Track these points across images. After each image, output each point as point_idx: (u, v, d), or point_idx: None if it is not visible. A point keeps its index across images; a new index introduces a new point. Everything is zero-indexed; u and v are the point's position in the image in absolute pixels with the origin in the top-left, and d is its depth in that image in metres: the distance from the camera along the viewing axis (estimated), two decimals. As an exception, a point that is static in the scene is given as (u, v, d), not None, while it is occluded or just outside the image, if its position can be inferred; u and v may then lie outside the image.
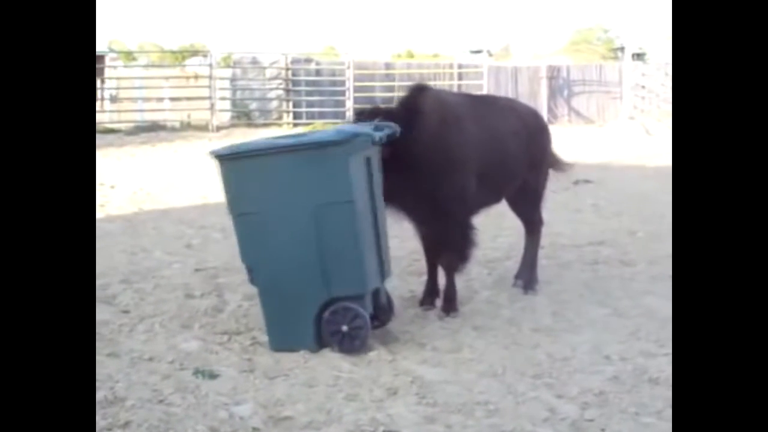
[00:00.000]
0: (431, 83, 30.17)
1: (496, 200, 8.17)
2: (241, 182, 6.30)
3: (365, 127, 6.51)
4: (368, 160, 6.45)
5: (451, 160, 7.02)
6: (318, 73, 32.10)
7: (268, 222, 6.27)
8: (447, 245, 7.36)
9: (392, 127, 6.67)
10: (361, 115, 7.17)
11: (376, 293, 6.67)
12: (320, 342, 6.33)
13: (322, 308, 6.30)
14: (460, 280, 7.67)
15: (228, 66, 31.99)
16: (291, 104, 31.14)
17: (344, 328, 6.26)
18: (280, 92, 31.41)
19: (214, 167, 6.49)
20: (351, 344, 6.25)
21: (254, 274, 6.45)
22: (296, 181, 6.16)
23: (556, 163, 8.82)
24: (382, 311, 6.80)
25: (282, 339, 6.41)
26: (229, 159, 6.38)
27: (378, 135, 6.36)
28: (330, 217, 6.15)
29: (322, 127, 26.34)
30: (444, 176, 7.01)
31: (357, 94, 30.62)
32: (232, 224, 6.52)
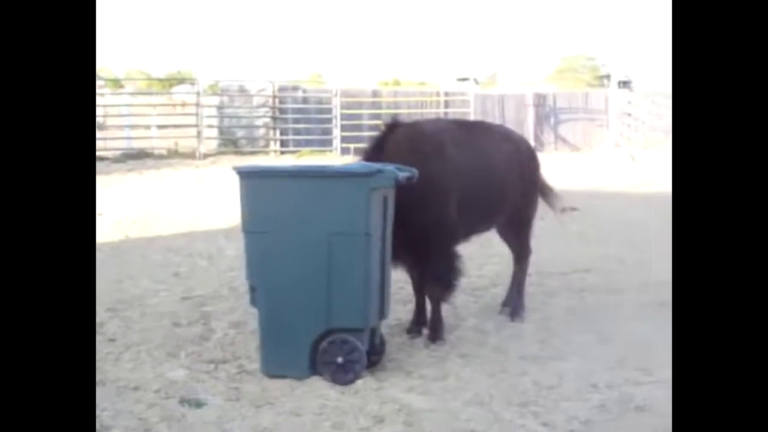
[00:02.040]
0: (418, 111, 30.45)
1: (487, 227, 8.18)
2: (259, 200, 6.31)
3: (389, 166, 6.53)
4: (385, 199, 6.48)
5: (428, 190, 6.98)
6: (305, 100, 32.17)
7: (280, 243, 6.26)
8: (431, 275, 7.37)
9: (412, 171, 6.69)
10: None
11: (373, 331, 6.66)
12: (313, 370, 6.31)
13: (320, 337, 6.29)
14: (446, 308, 7.67)
15: (215, 93, 32.03)
16: (278, 132, 31.16)
17: (339, 359, 6.24)
18: (267, 120, 31.42)
19: (236, 185, 6.46)
20: (344, 376, 6.23)
21: (256, 295, 6.43)
22: (315, 207, 6.18)
23: (547, 193, 8.83)
24: (375, 351, 6.78)
25: (275, 363, 6.38)
26: (251, 176, 6.41)
27: (401, 175, 6.39)
28: (343, 247, 6.16)
29: (309, 155, 26.43)
30: (422, 206, 7.00)
31: (344, 122, 30.74)
32: (244, 242, 6.49)
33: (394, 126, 7.48)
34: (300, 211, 6.21)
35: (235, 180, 6.43)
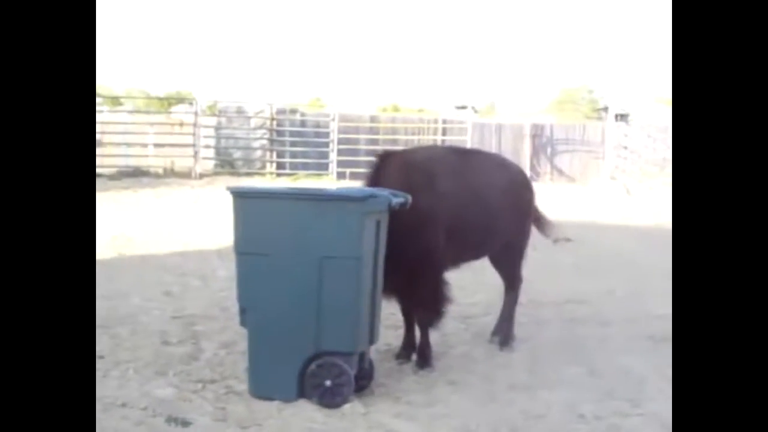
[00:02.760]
0: (415, 137, 30.46)
1: (478, 256, 8.18)
2: (252, 221, 6.32)
3: (383, 191, 6.56)
4: (378, 224, 6.48)
5: (418, 217, 6.98)
6: (303, 123, 32.21)
7: (271, 265, 6.26)
8: (419, 302, 7.38)
9: (405, 197, 6.71)
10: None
11: (361, 356, 6.66)
12: (301, 393, 6.30)
13: (309, 360, 6.28)
14: (437, 335, 7.67)
15: (213, 114, 32.07)
16: (275, 154, 31.19)
17: (328, 383, 6.23)
18: (265, 142, 31.46)
19: (230, 204, 6.46)
20: (332, 399, 6.22)
21: (246, 316, 6.43)
22: (307, 230, 6.19)
23: (541, 222, 8.84)
24: (363, 375, 6.77)
25: (263, 385, 6.37)
26: (244, 196, 6.43)
27: (395, 200, 6.41)
28: (334, 271, 6.16)
29: (305, 179, 26.45)
30: (412, 233, 7.00)
31: (341, 146, 30.76)
32: (235, 263, 6.48)
33: (386, 156, 7.51)
34: (292, 233, 6.22)
35: (229, 200, 6.44)
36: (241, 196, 6.42)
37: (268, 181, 26.86)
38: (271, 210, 6.32)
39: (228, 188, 6.51)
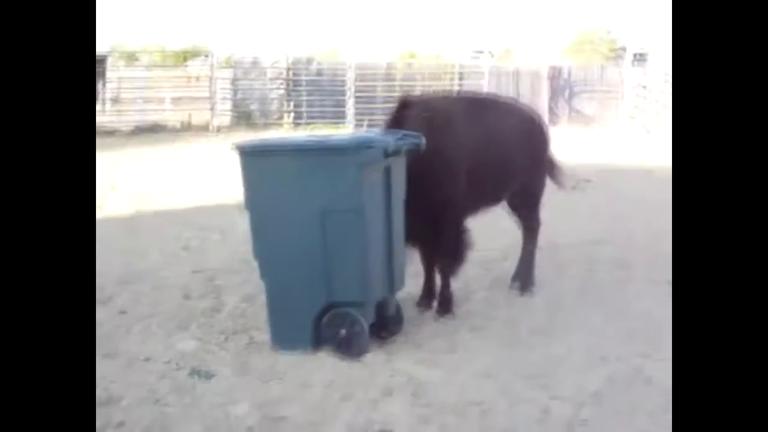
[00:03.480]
0: (431, 84, 30.34)
1: (495, 202, 8.15)
2: (258, 178, 6.33)
3: (386, 137, 6.54)
4: (388, 170, 6.46)
5: (439, 164, 6.99)
6: (319, 73, 32.06)
7: (279, 220, 6.29)
8: (441, 249, 7.38)
9: (416, 140, 6.69)
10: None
11: (383, 304, 6.67)
12: (318, 344, 6.33)
13: (322, 311, 6.31)
14: (456, 282, 7.67)
15: (229, 67, 31.96)
16: (292, 105, 31.08)
17: (342, 333, 6.27)
18: (281, 93, 31.36)
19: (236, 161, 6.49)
20: (348, 349, 6.25)
21: (261, 270, 6.47)
22: (307, 183, 6.19)
23: (554, 170, 8.78)
24: (391, 322, 6.80)
25: (282, 337, 6.42)
26: (248, 154, 6.43)
27: (393, 146, 6.36)
28: (336, 223, 6.16)
29: (322, 128, 26.39)
30: (433, 181, 7.01)
31: (358, 95, 30.64)
32: (248, 218, 6.51)
33: (405, 103, 7.46)
34: (294, 187, 6.23)
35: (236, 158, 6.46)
36: (243, 153, 6.41)
37: (286, 133, 26.79)
38: (273, 166, 6.33)
39: (233, 145, 6.51)
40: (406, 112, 7.33)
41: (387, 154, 6.28)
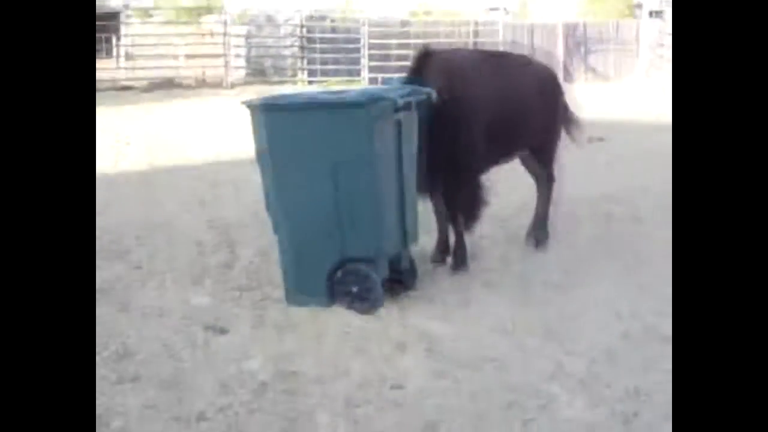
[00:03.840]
0: (447, 40, 30.16)
1: (510, 156, 8.12)
2: (268, 134, 6.31)
3: (396, 91, 6.51)
4: (398, 124, 6.42)
5: (458, 117, 6.97)
6: (333, 30, 31.96)
7: (290, 175, 6.29)
8: (457, 204, 7.35)
9: (427, 92, 6.66)
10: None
11: (397, 257, 6.66)
12: (332, 299, 6.35)
13: (335, 267, 6.32)
14: (471, 237, 7.65)
15: (243, 23, 31.83)
16: (306, 61, 30.97)
17: (354, 289, 6.27)
18: (295, 49, 31.25)
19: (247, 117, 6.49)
20: (361, 305, 6.27)
21: (275, 225, 6.47)
22: (318, 138, 6.17)
23: (570, 122, 8.73)
24: (405, 276, 6.80)
25: (296, 292, 6.44)
26: (259, 110, 6.41)
27: (402, 100, 6.33)
28: (348, 178, 6.16)
29: (336, 85, 26.31)
30: (452, 133, 6.98)
31: (372, 52, 30.53)
32: (261, 174, 6.52)
33: (424, 55, 7.41)
34: (306, 143, 6.21)
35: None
36: (254, 109, 6.40)
37: (300, 89, 26.70)
38: (283, 121, 6.31)
39: (243, 102, 6.50)
40: (426, 62, 7.28)
41: (397, 108, 6.25)
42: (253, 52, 31.54)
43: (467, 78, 7.34)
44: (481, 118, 7.26)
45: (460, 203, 7.34)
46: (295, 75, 30.71)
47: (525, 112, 7.77)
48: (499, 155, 7.76)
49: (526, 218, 8.67)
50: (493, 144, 7.39)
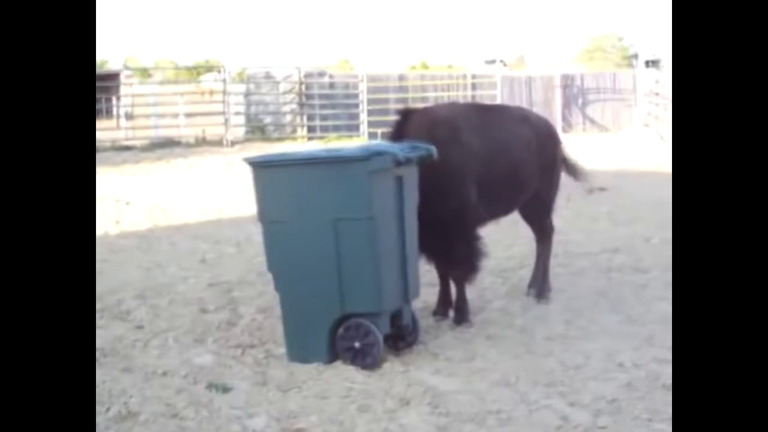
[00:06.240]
0: (444, 94, 30.33)
1: (507, 210, 8.13)
2: (269, 190, 6.36)
3: (395, 146, 6.54)
4: (399, 179, 6.45)
5: (446, 174, 6.98)
6: (332, 86, 32.21)
7: (291, 232, 6.31)
8: (454, 259, 7.36)
9: (427, 149, 6.69)
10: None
11: (398, 313, 6.65)
12: (334, 355, 6.34)
13: (337, 323, 6.31)
14: (472, 290, 7.66)
15: (242, 81, 32.06)
16: (305, 118, 31.19)
17: (357, 344, 6.26)
18: (294, 106, 31.46)
19: (249, 174, 6.53)
20: (363, 361, 6.25)
21: (276, 283, 6.48)
22: (318, 194, 6.20)
23: (574, 171, 8.77)
24: (407, 332, 6.79)
25: (298, 349, 6.43)
26: (259, 166, 6.45)
27: (402, 155, 6.36)
28: (348, 233, 6.17)
29: (336, 141, 26.44)
30: (441, 191, 7.00)
31: (371, 107, 30.72)
32: (262, 231, 6.54)
33: (408, 113, 7.46)
34: (305, 198, 6.25)
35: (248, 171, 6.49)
36: (255, 166, 6.44)
37: (300, 146, 26.84)
38: (284, 177, 6.35)
39: (244, 159, 6.55)
40: (409, 122, 7.32)
41: (398, 163, 6.28)
42: (253, 110, 31.75)
43: (452, 134, 7.32)
44: (472, 174, 7.27)
45: (457, 258, 7.33)
46: (294, 132, 30.89)
47: (519, 165, 7.78)
48: (497, 209, 7.76)
49: (528, 270, 8.68)
50: (489, 199, 7.40)
